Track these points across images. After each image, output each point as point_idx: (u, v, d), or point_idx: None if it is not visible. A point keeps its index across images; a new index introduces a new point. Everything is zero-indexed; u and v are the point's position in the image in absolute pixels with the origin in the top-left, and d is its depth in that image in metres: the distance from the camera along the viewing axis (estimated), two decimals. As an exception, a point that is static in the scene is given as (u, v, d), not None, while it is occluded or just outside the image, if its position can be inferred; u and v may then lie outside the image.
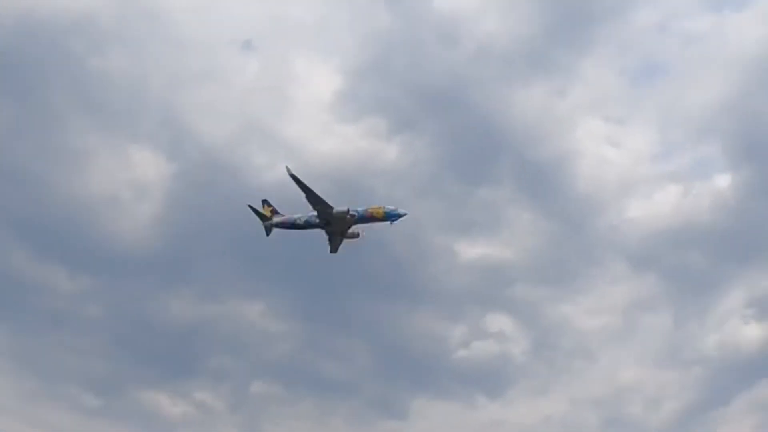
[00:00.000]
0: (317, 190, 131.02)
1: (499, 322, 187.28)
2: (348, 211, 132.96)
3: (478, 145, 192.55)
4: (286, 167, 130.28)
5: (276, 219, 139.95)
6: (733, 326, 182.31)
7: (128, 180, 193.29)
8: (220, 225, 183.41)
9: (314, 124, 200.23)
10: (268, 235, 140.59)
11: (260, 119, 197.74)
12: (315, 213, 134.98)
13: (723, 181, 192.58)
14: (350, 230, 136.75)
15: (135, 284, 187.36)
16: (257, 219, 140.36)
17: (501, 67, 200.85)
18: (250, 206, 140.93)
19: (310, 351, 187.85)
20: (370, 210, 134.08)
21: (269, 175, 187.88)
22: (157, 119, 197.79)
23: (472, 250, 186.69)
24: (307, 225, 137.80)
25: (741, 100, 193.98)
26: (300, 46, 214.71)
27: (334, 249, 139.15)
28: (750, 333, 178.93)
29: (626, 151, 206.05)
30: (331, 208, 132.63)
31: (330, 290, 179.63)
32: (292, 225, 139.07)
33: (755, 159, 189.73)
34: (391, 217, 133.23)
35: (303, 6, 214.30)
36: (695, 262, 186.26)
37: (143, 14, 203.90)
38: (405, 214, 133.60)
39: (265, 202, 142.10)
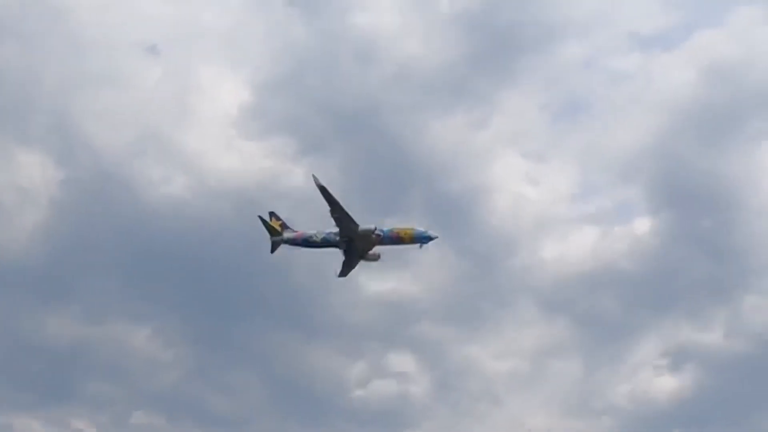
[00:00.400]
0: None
1: (401, 360, 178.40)
2: (374, 229, 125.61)
3: (389, 173, 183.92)
4: (313, 176, 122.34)
5: (287, 234, 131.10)
6: (645, 376, 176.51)
7: (11, 184, 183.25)
8: (109, 239, 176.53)
9: (217, 139, 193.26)
10: (273, 251, 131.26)
11: (159, 129, 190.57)
12: (334, 230, 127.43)
13: (642, 225, 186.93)
14: (371, 252, 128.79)
15: (10, 298, 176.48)
16: (264, 232, 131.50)
17: (419, 93, 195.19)
18: (260, 218, 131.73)
19: (199, 381, 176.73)
20: (397, 230, 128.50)
21: (165, 189, 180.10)
22: (48, 121, 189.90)
23: (377, 284, 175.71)
24: (324, 243, 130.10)
25: (664, 143, 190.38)
26: (208, 54, 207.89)
27: (344, 272, 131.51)
28: (662, 384, 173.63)
29: (544, 189, 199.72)
30: (356, 225, 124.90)
31: (224, 317, 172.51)
32: (305, 242, 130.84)
33: (676, 205, 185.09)
34: (421, 239, 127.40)
35: (214, 13, 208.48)
36: (609, 308, 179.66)
37: (42, 8, 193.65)
38: (436, 237, 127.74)
39: (272, 214, 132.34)
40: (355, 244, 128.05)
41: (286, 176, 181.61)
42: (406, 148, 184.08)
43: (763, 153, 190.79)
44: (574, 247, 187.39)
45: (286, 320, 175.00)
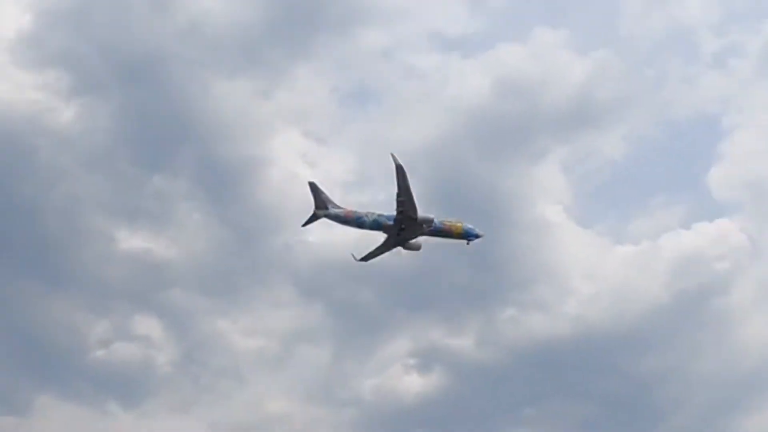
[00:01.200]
0: None
1: (148, 325, 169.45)
2: (433, 219, 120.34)
3: (165, 128, 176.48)
4: (392, 155, 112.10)
5: (333, 210, 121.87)
6: (393, 373, 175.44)
7: None
8: None
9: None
10: (306, 224, 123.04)
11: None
12: (386, 213, 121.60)
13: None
14: (414, 240, 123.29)
15: None
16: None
17: (209, 51, 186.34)
18: (310, 184, 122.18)
19: None
20: (447, 223, 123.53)
21: None
22: None
23: (133, 242, 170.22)
24: (375, 225, 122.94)
25: (447, 147, 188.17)
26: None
27: (369, 257, 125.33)
28: (409, 383, 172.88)
29: (320, 172, 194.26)
30: (416, 212, 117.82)
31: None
32: (355, 222, 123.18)
33: (447, 209, 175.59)
34: (468, 236, 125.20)
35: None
36: (367, 300, 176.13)
37: None
38: (482, 236, 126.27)
39: (312, 185, 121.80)
40: (404, 231, 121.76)
41: (54, 113, 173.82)
42: (187, 105, 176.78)
43: (540, 172, 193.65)
44: (339, 234, 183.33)
45: (30, 267, 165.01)
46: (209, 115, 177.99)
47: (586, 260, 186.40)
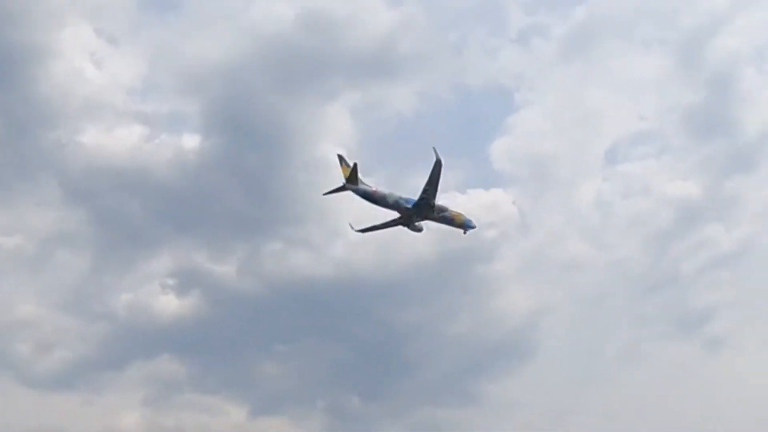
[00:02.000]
0: None
1: None
2: (447, 209, 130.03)
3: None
4: (434, 149, 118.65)
5: (363, 186, 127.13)
6: (150, 291, 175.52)
7: None
8: None
9: None
10: (329, 193, 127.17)
11: None
12: (405, 197, 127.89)
13: (191, 142, 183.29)
14: (418, 223, 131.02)
15: None
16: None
17: None
18: (339, 156, 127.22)
19: None
20: (452, 213, 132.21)
21: None
22: None
23: None
24: (394, 206, 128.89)
25: (239, 70, 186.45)
26: None
27: (367, 230, 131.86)
28: (165, 304, 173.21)
29: (106, 73, 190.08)
30: (434, 199, 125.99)
31: None
32: (380, 200, 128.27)
33: (229, 133, 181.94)
34: (466, 226, 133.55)
35: None
36: (134, 212, 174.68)
37: None
38: (476, 227, 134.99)
39: (341, 159, 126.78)
40: (416, 215, 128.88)
41: None
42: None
43: (329, 113, 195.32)
44: (117, 141, 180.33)
45: None
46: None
47: (359, 206, 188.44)
